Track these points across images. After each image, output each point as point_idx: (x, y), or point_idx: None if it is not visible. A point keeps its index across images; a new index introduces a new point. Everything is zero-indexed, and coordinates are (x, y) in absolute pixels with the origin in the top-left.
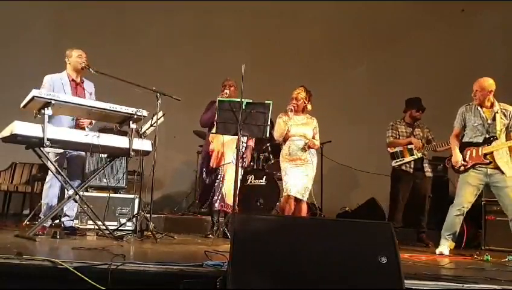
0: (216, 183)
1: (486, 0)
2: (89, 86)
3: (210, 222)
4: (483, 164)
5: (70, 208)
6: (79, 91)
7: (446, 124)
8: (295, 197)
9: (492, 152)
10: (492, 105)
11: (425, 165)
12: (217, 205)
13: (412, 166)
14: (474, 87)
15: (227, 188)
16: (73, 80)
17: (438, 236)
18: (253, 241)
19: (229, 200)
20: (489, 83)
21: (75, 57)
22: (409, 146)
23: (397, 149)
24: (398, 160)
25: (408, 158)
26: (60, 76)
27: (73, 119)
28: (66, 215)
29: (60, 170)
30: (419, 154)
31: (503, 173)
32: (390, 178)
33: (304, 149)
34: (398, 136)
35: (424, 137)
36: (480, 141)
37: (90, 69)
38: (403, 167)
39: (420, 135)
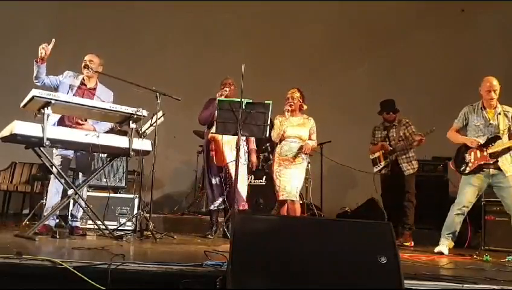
0: (226, 181)
1: (486, 0)
2: (103, 93)
3: (209, 221)
4: (488, 163)
5: (76, 208)
6: (85, 95)
7: (446, 124)
8: (287, 200)
9: (497, 151)
10: (496, 106)
11: (402, 164)
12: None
13: (389, 168)
14: (493, 87)
15: (241, 187)
16: (83, 83)
17: (437, 236)
18: (253, 241)
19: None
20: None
21: (83, 61)
22: (383, 150)
23: (375, 155)
24: (377, 166)
25: (383, 162)
26: (76, 76)
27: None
28: (72, 215)
29: (60, 171)
30: (392, 157)
31: (504, 172)
32: None
33: (298, 154)
34: (375, 142)
35: (401, 136)
36: (482, 142)
37: (90, 69)
38: (383, 171)
39: (394, 136)
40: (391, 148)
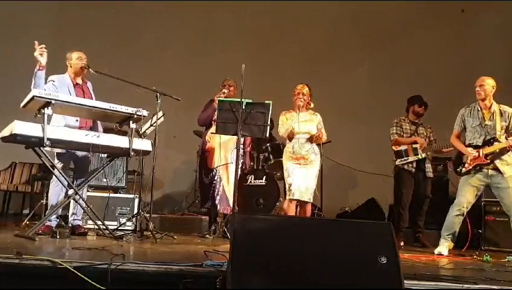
0: (213, 184)
1: (486, 0)
2: (90, 87)
3: (208, 221)
4: (484, 164)
5: (78, 208)
6: (83, 94)
7: (446, 124)
8: (299, 200)
9: (493, 153)
10: (491, 106)
11: (427, 165)
12: (219, 207)
13: (415, 165)
14: (478, 82)
15: (229, 190)
16: (77, 83)
17: (438, 236)
18: (253, 241)
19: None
20: (492, 79)
21: (75, 59)
22: (414, 145)
23: (402, 148)
24: (402, 159)
25: (412, 158)
26: (63, 77)
27: (77, 120)
28: (73, 213)
29: (60, 170)
30: (424, 155)
31: (502, 173)
32: (394, 177)
33: (310, 140)
34: (402, 134)
35: (427, 137)
36: (480, 144)
37: (90, 69)
38: (405, 167)
39: (424, 134)
40: (427, 145)
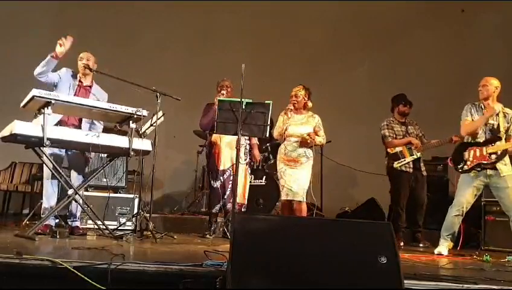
0: (230, 185)
1: (486, 0)
2: (99, 93)
3: (208, 221)
4: (487, 162)
5: (75, 208)
6: (81, 93)
7: (446, 124)
8: (293, 200)
9: (496, 152)
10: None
11: (422, 164)
12: (229, 205)
13: (411, 166)
14: (482, 82)
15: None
16: (80, 81)
17: (438, 236)
18: (253, 241)
19: (240, 199)
20: (496, 80)
21: (78, 60)
22: (408, 146)
23: (397, 150)
24: (400, 161)
25: (409, 158)
26: (73, 73)
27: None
28: (72, 215)
29: (59, 170)
30: (419, 154)
31: (500, 173)
32: (390, 178)
33: (303, 144)
34: (395, 136)
35: (417, 135)
36: (481, 142)
37: (90, 69)
38: (403, 168)
39: (414, 133)
40: (422, 145)
